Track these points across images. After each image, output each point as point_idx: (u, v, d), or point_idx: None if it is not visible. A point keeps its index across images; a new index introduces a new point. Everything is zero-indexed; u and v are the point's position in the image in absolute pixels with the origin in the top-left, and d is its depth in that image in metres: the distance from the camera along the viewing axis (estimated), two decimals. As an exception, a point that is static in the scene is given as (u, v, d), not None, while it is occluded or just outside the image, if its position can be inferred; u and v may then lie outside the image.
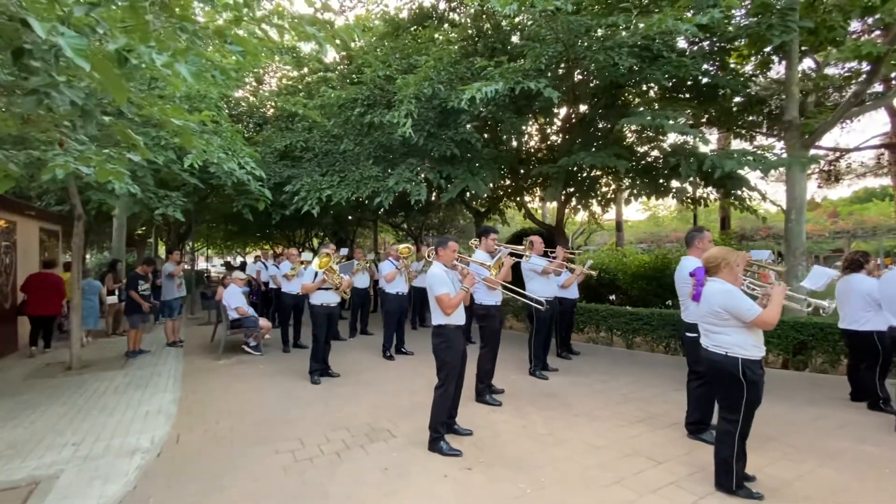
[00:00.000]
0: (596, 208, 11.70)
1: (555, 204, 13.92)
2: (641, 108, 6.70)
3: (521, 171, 10.01)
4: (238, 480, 3.08)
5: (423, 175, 7.51)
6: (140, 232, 17.83)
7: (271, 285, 9.64)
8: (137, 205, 5.99)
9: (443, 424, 3.54)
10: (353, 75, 8.79)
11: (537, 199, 13.95)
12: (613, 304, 9.25)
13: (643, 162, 7.62)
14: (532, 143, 10.30)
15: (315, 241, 28.26)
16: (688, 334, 3.73)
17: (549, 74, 6.39)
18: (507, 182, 10.81)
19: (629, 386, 5.26)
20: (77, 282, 6.12)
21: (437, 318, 3.56)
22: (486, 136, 8.78)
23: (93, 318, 8.01)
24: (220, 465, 3.31)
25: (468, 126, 7.57)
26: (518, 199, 10.43)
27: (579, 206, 8.53)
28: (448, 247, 3.64)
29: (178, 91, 5.13)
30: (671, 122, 6.04)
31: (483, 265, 3.81)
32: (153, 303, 7.14)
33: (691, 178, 6.33)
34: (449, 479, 3.08)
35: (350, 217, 17.26)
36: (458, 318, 3.58)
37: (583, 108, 8.99)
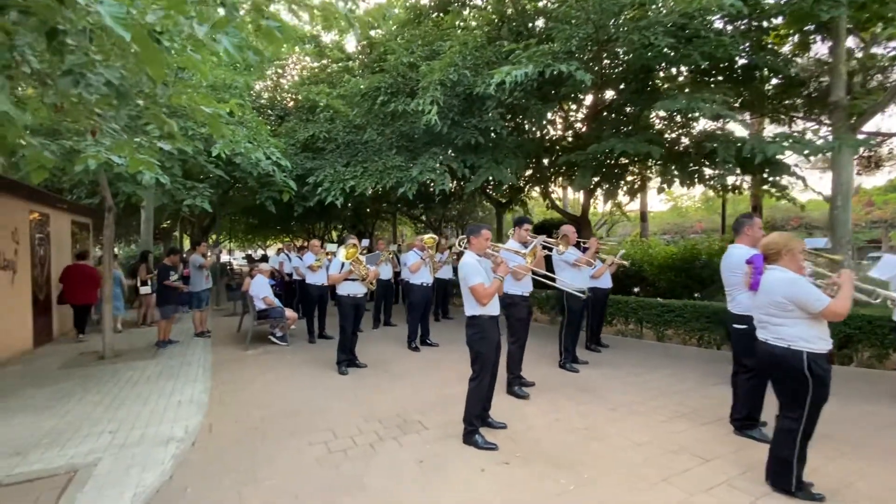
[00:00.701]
0: (622, 197, 11.43)
1: (575, 194, 13.60)
2: (675, 92, 6.41)
3: (545, 160, 9.78)
4: (273, 472, 3.04)
5: (446, 164, 7.37)
6: (165, 225, 18.18)
7: (294, 277, 9.68)
8: (165, 196, 6.02)
9: (477, 417, 3.45)
10: (375, 64, 8.67)
11: (559, 188, 13.71)
12: (638, 295, 9.02)
13: (675, 149, 7.33)
14: (555, 131, 10.06)
15: (334, 234, 28.46)
16: (736, 326, 3.54)
17: (577, 58, 6.16)
18: (530, 172, 10.60)
19: (665, 379, 5.07)
20: (109, 272, 6.20)
21: (470, 308, 3.45)
22: (509, 124, 8.58)
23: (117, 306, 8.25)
24: (254, 455, 3.29)
25: (492, 113, 7.38)
26: (542, 188, 10.20)
27: (609, 195, 8.26)
28: (481, 235, 3.51)
29: (205, 80, 5.11)
30: (709, 105, 5.76)
31: (518, 253, 3.67)
32: (184, 287, 7.23)
33: (729, 165, 6.05)
34: (487, 474, 2.98)
35: (368, 209, 17.24)
36: (493, 308, 3.46)
37: (609, 93, 8.71)
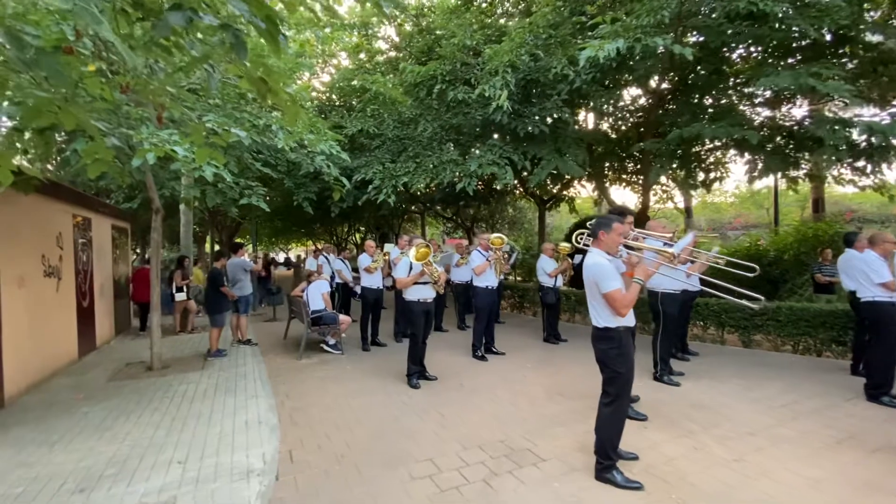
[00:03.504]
0: (672, 192, 10.72)
1: (623, 191, 12.83)
2: (774, 70, 5.72)
3: (599, 151, 9.15)
4: (383, 518, 2.53)
5: (506, 157, 6.81)
6: (195, 228, 18.06)
7: (337, 280, 9.26)
8: (218, 195, 5.61)
9: (614, 449, 2.87)
10: (422, 54, 8.15)
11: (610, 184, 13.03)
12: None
13: (763, 133, 6.63)
14: (609, 122, 9.41)
15: (357, 236, 28.09)
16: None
17: (668, 32, 5.53)
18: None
19: (785, 395, 4.42)
20: (157, 278, 5.82)
21: (602, 318, 2.87)
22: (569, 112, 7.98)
23: None
24: (352, 493, 2.78)
25: (554, 100, 6.78)
26: (597, 183, 9.56)
27: (688, 186, 7.58)
28: (613, 229, 2.92)
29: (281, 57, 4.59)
30: (819, 81, 5.08)
31: (661, 253, 3.07)
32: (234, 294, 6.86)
33: (838, 150, 5.35)
34: (648, 524, 2.42)
35: (397, 209, 16.64)
36: (630, 318, 2.89)
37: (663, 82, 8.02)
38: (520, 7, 8.57)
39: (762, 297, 2.81)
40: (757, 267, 3.61)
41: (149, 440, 3.65)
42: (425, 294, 5.02)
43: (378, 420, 3.97)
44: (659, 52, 5.79)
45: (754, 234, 12.21)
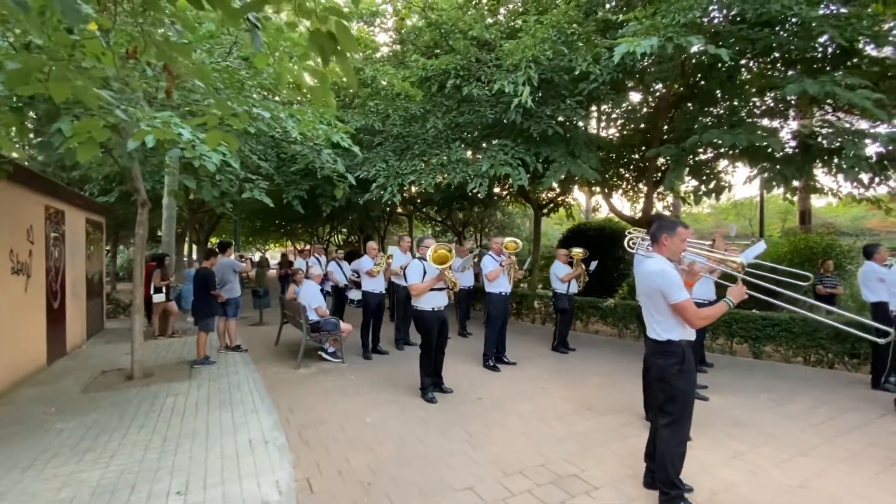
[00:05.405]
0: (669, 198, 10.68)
1: (595, 200, 12.78)
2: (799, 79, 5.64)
3: (602, 156, 9.01)
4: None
5: (518, 158, 6.55)
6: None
7: (329, 282, 8.82)
8: (216, 188, 5.14)
9: (678, 475, 2.59)
10: (428, 49, 7.83)
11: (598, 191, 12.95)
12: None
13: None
14: (615, 127, 9.29)
15: (340, 238, 27.42)
16: None
17: (704, 31, 5.37)
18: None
19: (818, 410, 4.27)
20: (140, 278, 5.29)
21: (665, 330, 2.61)
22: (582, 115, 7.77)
23: None
24: (389, 531, 2.42)
25: (570, 101, 6.56)
26: (601, 190, 9.41)
27: (702, 194, 7.47)
28: (677, 234, 2.67)
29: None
30: (844, 90, 5.02)
31: (728, 261, 2.83)
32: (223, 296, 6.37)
33: (860, 162, 5.30)
34: (735, 567, 2.14)
35: (372, 212, 15.95)
36: (691, 331, 2.63)
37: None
38: (531, 5, 8.36)
39: (892, 330, 2.47)
40: (811, 276, 3.42)
41: (138, 464, 3.18)
42: (440, 302, 4.67)
43: (399, 439, 3.59)
44: (668, 52, 5.63)
45: (738, 244, 12.34)
